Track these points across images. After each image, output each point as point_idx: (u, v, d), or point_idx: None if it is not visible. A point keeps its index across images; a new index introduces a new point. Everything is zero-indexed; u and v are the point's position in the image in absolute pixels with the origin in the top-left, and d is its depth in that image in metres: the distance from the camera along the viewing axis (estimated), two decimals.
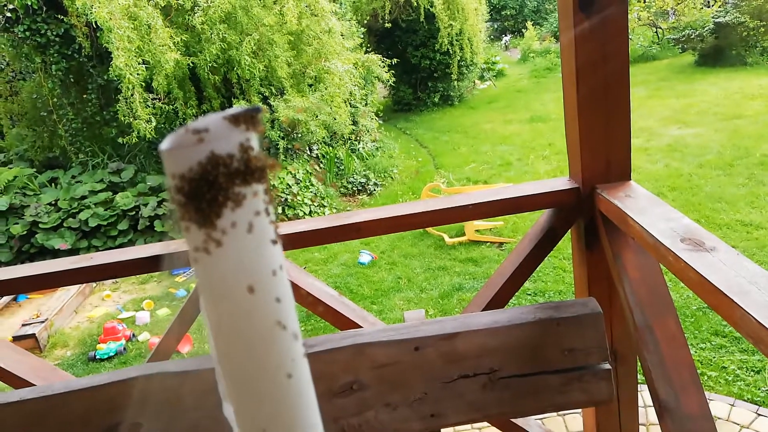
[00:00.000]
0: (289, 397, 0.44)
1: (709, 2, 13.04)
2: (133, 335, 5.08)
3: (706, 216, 5.34)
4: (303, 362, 0.45)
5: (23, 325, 5.21)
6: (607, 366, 1.48)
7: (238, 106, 0.45)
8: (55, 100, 7.47)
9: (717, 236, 1.27)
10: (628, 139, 1.65)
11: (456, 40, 11.17)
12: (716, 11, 11.94)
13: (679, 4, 12.22)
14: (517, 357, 1.48)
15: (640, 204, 1.50)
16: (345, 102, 7.35)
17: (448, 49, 11.20)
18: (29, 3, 6.93)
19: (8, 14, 7.10)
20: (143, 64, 6.34)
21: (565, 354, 1.47)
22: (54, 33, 7.16)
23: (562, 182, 1.79)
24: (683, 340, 1.42)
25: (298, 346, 0.44)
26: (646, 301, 1.48)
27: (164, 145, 0.40)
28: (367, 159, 8.36)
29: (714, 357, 3.51)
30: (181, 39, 6.62)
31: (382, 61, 8.42)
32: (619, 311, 1.74)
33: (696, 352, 3.55)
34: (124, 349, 4.87)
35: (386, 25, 10.94)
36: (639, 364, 1.71)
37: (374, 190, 7.93)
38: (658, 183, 6.11)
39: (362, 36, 9.49)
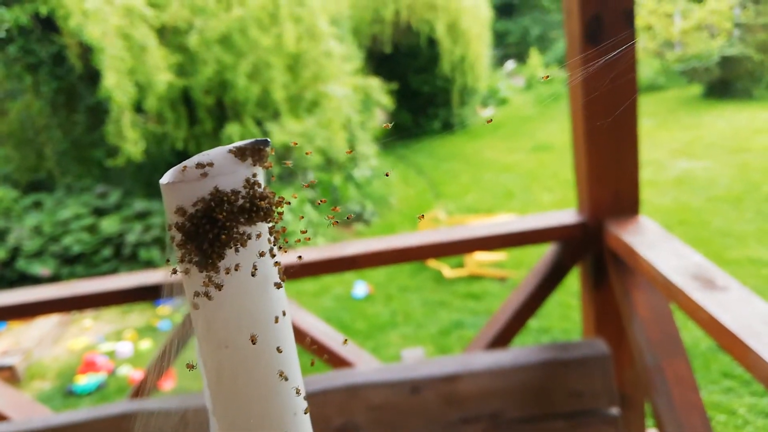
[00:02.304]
0: None
1: (713, 34, 13.01)
2: (115, 369, 4.88)
3: (715, 252, 5.25)
4: (304, 419, 0.42)
5: (2, 354, 5.07)
6: (615, 411, 1.43)
7: (246, 140, 0.40)
8: (43, 120, 7.30)
9: (727, 273, 1.23)
10: (636, 171, 1.61)
11: (458, 66, 11.05)
12: (722, 44, 11.89)
13: (685, 35, 12.17)
14: (521, 400, 1.43)
15: (650, 239, 1.47)
16: (342, 127, 7.15)
17: (449, 74, 11.06)
18: (23, 23, 6.80)
19: (2, 34, 6.96)
20: (135, 85, 6.17)
21: (572, 397, 1.42)
22: (46, 53, 7.03)
23: (569, 215, 1.74)
24: (694, 383, 1.37)
25: (300, 400, 0.42)
26: (656, 342, 1.42)
27: (165, 179, 0.38)
28: (363, 186, 8.11)
29: (724, 400, 3.38)
30: (176, 60, 6.46)
31: (382, 86, 8.24)
32: (628, 352, 1.68)
33: (706, 395, 3.43)
34: (105, 383, 4.68)
35: (387, 49, 10.83)
36: (648, 407, 1.67)
37: (371, 219, 7.67)
38: (667, 217, 6.01)
39: (362, 60, 9.34)
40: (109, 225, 6.44)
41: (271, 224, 0.41)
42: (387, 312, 5.17)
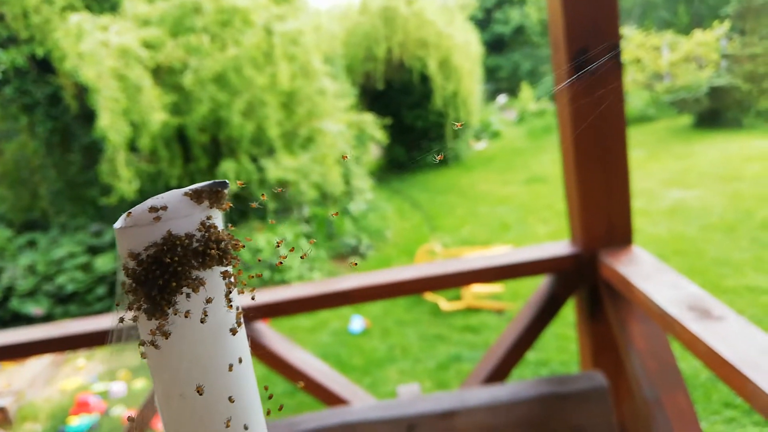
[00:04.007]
0: None
1: (701, 65, 13.22)
2: (108, 409, 4.81)
3: (711, 281, 5.23)
4: None
5: None
6: None
7: (204, 182, 0.39)
8: (38, 160, 7.32)
9: (724, 302, 1.23)
10: (628, 201, 1.62)
11: (450, 101, 11.17)
12: (711, 74, 12.08)
13: (673, 66, 12.39)
14: None
15: (645, 270, 1.46)
16: (337, 162, 7.19)
17: (442, 109, 11.18)
18: (19, 64, 6.89)
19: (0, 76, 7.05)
20: (130, 124, 6.21)
21: None
22: (42, 94, 7.10)
23: (562, 247, 1.74)
24: (694, 415, 1.36)
25: None
26: (654, 374, 1.41)
27: (118, 224, 0.38)
28: (359, 220, 8.12)
29: (726, 431, 3.35)
30: (170, 99, 6.52)
31: (376, 122, 8.32)
32: (627, 385, 1.66)
33: (707, 426, 3.36)
34: (98, 424, 4.62)
35: (380, 86, 10.96)
36: None
37: (366, 252, 7.65)
38: (662, 246, 5.99)
39: (356, 96, 9.45)
40: (103, 263, 6.41)
41: (227, 266, 0.39)
42: (384, 347, 5.12)
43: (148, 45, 6.65)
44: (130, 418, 0.50)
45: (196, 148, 6.93)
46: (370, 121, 8.34)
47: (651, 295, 1.32)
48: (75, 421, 4.57)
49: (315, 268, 6.90)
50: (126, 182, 6.19)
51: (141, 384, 5.12)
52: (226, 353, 0.38)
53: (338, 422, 1.42)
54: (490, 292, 5.56)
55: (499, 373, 1.83)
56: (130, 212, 0.38)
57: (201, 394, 0.37)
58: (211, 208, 0.39)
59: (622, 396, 1.71)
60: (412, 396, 2.11)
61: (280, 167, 6.72)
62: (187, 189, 0.38)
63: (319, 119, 7.32)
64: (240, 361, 0.39)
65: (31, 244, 7.00)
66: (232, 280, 0.40)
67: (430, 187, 10.91)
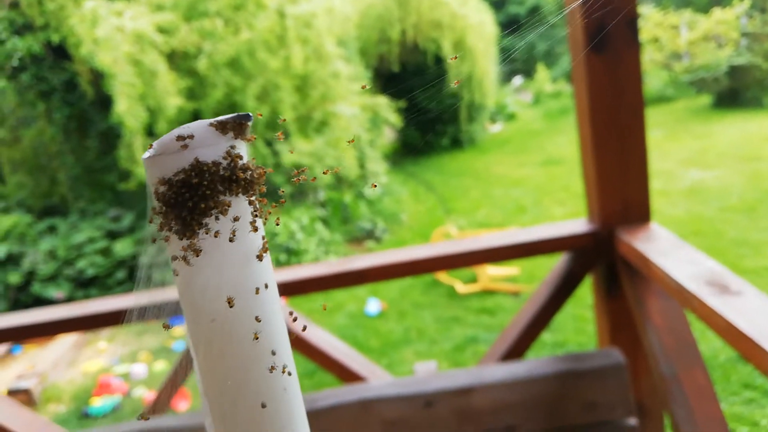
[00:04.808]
0: (267, 429, 0.40)
1: (720, 44, 12.98)
2: (129, 391, 4.90)
3: (730, 262, 5.21)
4: (295, 396, 0.41)
5: (18, 378, 5.10)
6: (633, 422, 1.41)
7: (228, 115, 0.41)
8: (56, 146, 7.39)
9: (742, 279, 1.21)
10: (646, 178, 1.60)
11: (465, 83, 11.08)
12: (730, 53, 11.87)
13: (692, 46, 12.18)
14: (536, 412, 1.40)
15: (662, 246, 1.45)
16: (352, 145, 7.18)
17: (457, 92, 11.10)
18: (36, 51, 6.93)
19: (15, 63, 7.10)
20: (146, 109, 6.25)
21: (588, 409, 1.40)
22: (58, 80, 7.15)
23: (579, 224, 1.73)
24: (713, 392, 1.35)
25: (290, 378, 0.41)
26: (672, 351, 1.41)
27: (146, 154, 0.40)
28: (374, 204, 8.12)
29: (745, 412, 3.32)
30: (185, 84, 6.54)
31: (390, 104, 8.29)
32: (644, 361, 1.65)
33: (726, 407, 3.36)
34: (120, 405, 4.70)
35: (394, 68, 10.90)
36: (666, 418, 1.64)
37: (381, 235, 7.67)
38: (680, 227, 5.96)
39: (369, 79, 9.40)
40: (122, 248, 6.48)
41: (252, 195, 0.41)
42: (400, 329, 5.15)
43: (163, 30, 6.66)
44: (141, 416, 0.49)
45: None
46: (384, 104, 8.30)
47: (669, 270, 1.31)
48: (98, 402, 4.66)
49: (330, 251, 6.93)
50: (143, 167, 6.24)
51: (161, 366, 5.21)
52: (254, 277, 0.39)
53: (356, 399, 1.42)
54: (506, 275, 5.56)
55: (514, 353, 1.83)
56: (151, 144, 0.40)
57: (231, 306, 0.38)
58: (235, 139, 0.40)
59: (640, 373, 1.70)
60: (429, 373, 2.12)
61: (294, 151, 6.73)
62: (212, 120, 0.39)
63: (333, 103, 7.30)
64: (266, 286, 0.40)
65: (51, 229, 7.09)
66: (257, 207, 0.41)
67: (445, 170, 10.88)
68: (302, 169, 0.53)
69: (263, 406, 0.39)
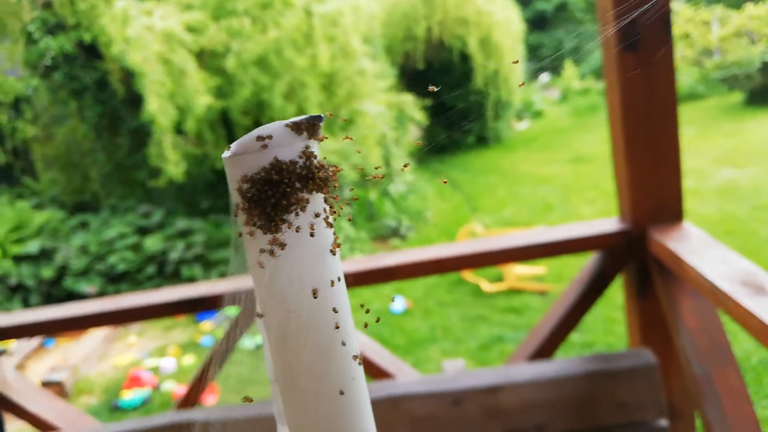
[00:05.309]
0: (344, 415, 0.43)
1: (753, 40, 12.71)
2: (159, 384, 4.98)
3: (763, 262, 4.96)
4: (362, 386, 0.44)
5: (51, 370, 5.19)
6: (664, 423, 1.39)
7: (301, 116, 0.43)
8: (88, 144, 7.54)
9: None
10: (679, 176, 1.58)
11: (491, 80, 11.02)
12: (763, 50, 11.61)
13: (724, 42, 11.93)
14: (565, 412, 1.40)
15: (695, 246, 1.43)
16: (377, 143, 7.19)
17: (483, 89, 11.03)
18: (68, 50, 7.07)
19: (48, 62, 7.24)
20: (175, 108, 6.34)
21: (618, 409, 1.39)
22: (90, 79, 7.28)
23: (610, 223, 1.71)
24: (746, 393, 1.33)
25: (358, 367, 0.44)
26: (704, 351, 1.39)
27: (229, 152, 0.41)
28: (399, 202, 8.13)
29: None
30: (214, 83, 6.61)
31: (415, 102, 8.28)
32: (676, 362, 1.63)
33: (759, 410, 3.21)
34: (150, 398, 4.78)
35: (419, 66, 10.88)
36: (698, 419, 1.62)
37: (407, 233, 7.67)
38: (712, 227, 5.84)
39: (395, 77, 9.40)
40: (152, 243, 6.59)
41: (326, 192, 0.44)
42: (426, 327, 5.15)
43: (191, 29, 6.74)
44: (245, 398, 0.51)
45: (239, 131, 7.02)
46: (409, 101, 8.30)
47: (702, 270, 1.30)
48: (128, 395, 4.74)
49: (356, 249, 6.95)
50: (173, 165, 6.33)
51: (190, 360, 5.28)
52: (329, 270, 0.42)
53: (383, 395, 1.42)
54: (533, 274, 5.52)
55: (543, 353, 1.82)
56: (229, 146, 0.42)
57: (315, 297, 0.40)
58: (309, 138, 0.43)
59: (671, 373, 1.69)
60: (457, 371, 2.11)
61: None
62: (287, 121, 0.42)
63: (359, 100, 7.32)
64: (339, 279, 0.43)
65: (83, 225, 7.23)
66: (331, 203, 0.44)
67: (471, 168, 10.83)
68: (377, 168, 0.56)
69: (341, 393, 0.42)
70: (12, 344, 5.57)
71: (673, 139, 1.54)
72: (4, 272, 6.37)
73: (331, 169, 0.43)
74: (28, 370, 5.44)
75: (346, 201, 0.46)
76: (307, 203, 0.41)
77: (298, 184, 0.41)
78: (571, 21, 18.43)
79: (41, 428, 1.92)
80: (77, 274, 6.49)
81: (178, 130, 6.60)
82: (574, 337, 4.36)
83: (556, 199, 8.05)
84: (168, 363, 5.21)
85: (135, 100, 7.02)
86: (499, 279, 5.56)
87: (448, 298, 5.57)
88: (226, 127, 7.05)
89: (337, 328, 0.42)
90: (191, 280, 6.28)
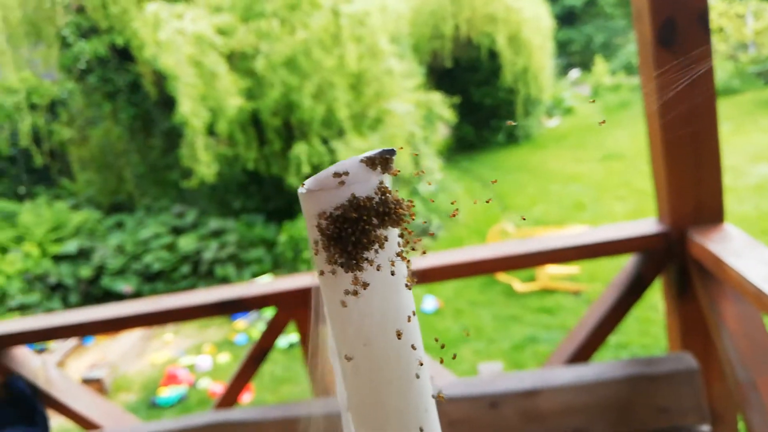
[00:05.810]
0: None
1: None
2: (195, 382, 5.05)
3: None
4: (434, 416, 0.45)
5: (91, 367, 5.31)
6: (706, 428, 1.37)
7: (374, 150, 0.44)
8: (122, 145, 7.68)
9: None
10: (719, 178, 1.54)
11: (521, 77, 10.92)
12: None
13: (759, 35, 11.64)
14: (605, 417, 1.38)
15: (737, 247, 1.39)
16: (406, 142, 7.19)
17: (512, 86, 10.95)
18: (101, 54, 7.20)
19: (82, 65, 7.39)
20: (207, 110, 6.42)
21: (659, 414, 1.36)
22: (123, 81, 7.41)
23: (649, 225, 1.67)
24: None
25: (431, 399, 0.45)
26: (748, 355, 1.34)
27: (305, 188, 0.41)
28: (429, 200, 8.11)
29: None
30: (244, 84, 6.68)
31: (444, 101, 8.25)
32: (717, 366, 1.60)
33: None
34: (186, 395, 4.85)
35: (447, 64, 10.84)
36: (741, 424, 1.60)
37: (437, 232, 7.65)
38: (749, 225, 5.72)
39: (423, 75, 9.39)
40: (186, 243, 6.69)
41: (401, 228, 0.43)
42: (457, 327, 5.13)
43: (221, 31, 6.82)
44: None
45: (269, 132, 7.09)
46: (437, 100, 8.28)
47: (745, 273, 1.26)
48: (165, 392, 4.81)
49: None
50: (205, 166, 6.41)
51: (225, 358, 5.35)
52: (405, 306, 0.42)
53: None
54: (566, 274, 5.46)
55: (581, 356, 1.79)
56: (303, 183, 0.42)
57: (400, 339, 0.41)
58: (382, 173, 0.42)
59: (713, 378, 1.65)
60: (494, 374, 2.09)
61: (350, 149, 6.79)
62: (362, 156, 0.41)
63: (387, 100, 7.32)
64: (413, 313, 0.43)
65: (119, 225, 7.38)
66: (406, 238, 0.44)
67: (500, 166, 10.75)
68: (454, 203, 0.54)
69: (420, 430, 0.43)
70: (52, 342, 5.71)
71: (712, 138, 1.51)
72: (44, 271, 6.54)
73: (405, 203, 0.43)
74: (68, 368, 5.57)
75: (418, 238, 0.46)
76: (386, 240, 0.41)
77: (375, 221, 0.41)
78: (601, 16, 18.17)
79: (84, 426, 1.95)
80: (114, 273, 6.63)
81: (210, 131, 6.68)
82: (610, 338, 4.31)
83: (588, 197, 7.95)
84: (204, 361, 5.29)
85: (167, 102, 7.13)
86: (532, 279, 5.51)
87: (480, 298, 5.54)
88: (256, 128, 7.12)
89: (421, 365, 0.42)
90: (225, 279, 6.37)
